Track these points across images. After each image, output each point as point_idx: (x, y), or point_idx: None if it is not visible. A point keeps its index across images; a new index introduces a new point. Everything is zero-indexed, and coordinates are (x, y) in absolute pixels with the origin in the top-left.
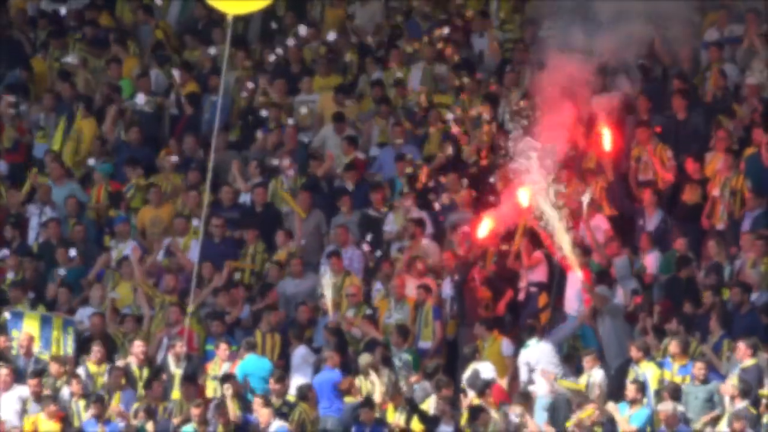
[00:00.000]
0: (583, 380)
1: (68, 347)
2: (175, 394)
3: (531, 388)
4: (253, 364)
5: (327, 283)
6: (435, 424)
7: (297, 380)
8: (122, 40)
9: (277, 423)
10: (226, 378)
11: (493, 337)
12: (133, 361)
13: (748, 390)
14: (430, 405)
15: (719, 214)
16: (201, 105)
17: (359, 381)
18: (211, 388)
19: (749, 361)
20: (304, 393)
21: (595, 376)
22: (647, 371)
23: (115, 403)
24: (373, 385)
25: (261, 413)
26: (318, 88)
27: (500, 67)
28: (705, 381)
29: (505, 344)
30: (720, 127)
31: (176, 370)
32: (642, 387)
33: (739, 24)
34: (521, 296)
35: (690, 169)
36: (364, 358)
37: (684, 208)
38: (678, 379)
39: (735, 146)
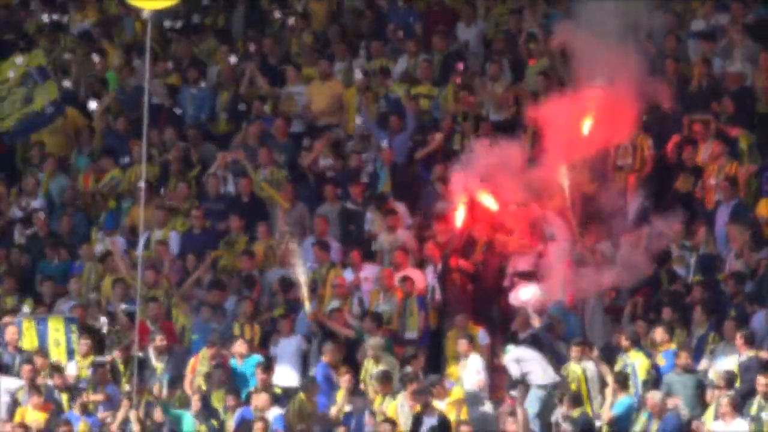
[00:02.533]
0: (576, 370)
1: (72, 343)
2: (156, 387)
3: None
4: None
5: (301, 272)
6: (419, 422)
7: (286, 370)
8: (108, 34)
9: (276, 410)
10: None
11: (469, 327)
12: (117, 356)
13: (732, 379)
14: (401, 401)
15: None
16: (183, 97)
17: (366, 363)
18: (203, 383)
19: (748, 353)
20: (307, 385)
21: (589, 369)
22: (636, 361)
23: (94, 395)
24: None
25: (260, 399)
26: (306, 77)
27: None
28: (691, 370)
29: (482, 334)
30: (699, 119)
31: (157, 364)
32: (624, 378)
33: (725, 14)
34: (507, 283)
35: (685, 156)
36: (371, 342)
37: (676, 196)
38: (661, 362)
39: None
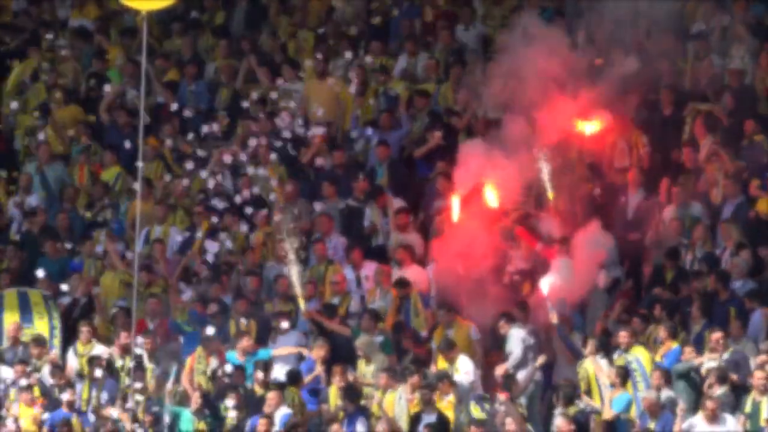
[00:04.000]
0: (589, 368)
1: (54, 319)
2: (150, 386)
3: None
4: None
5: (293, 272)
6: (418, 419)
7: (284, 368)
8: (105, 30)
9: (284, 409)
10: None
11: (459, 322)
12: (115, 352)
13: (725, 376)
14: (400, 393)
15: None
16: (182, 93)
17: (359, 363)
18: (203, 382)
19: (728, 350)
20: (295, 377)
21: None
22: (639, 356)
23: (86, 394)
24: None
25: (270, 397)
26: (307, 74)
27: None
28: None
29: (473, 329)
30: (698, 115)
31: (149, 365)
32: (625, 372)
33: (724, 14)
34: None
35: (686, 159)
36: (361, 340)
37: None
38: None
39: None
